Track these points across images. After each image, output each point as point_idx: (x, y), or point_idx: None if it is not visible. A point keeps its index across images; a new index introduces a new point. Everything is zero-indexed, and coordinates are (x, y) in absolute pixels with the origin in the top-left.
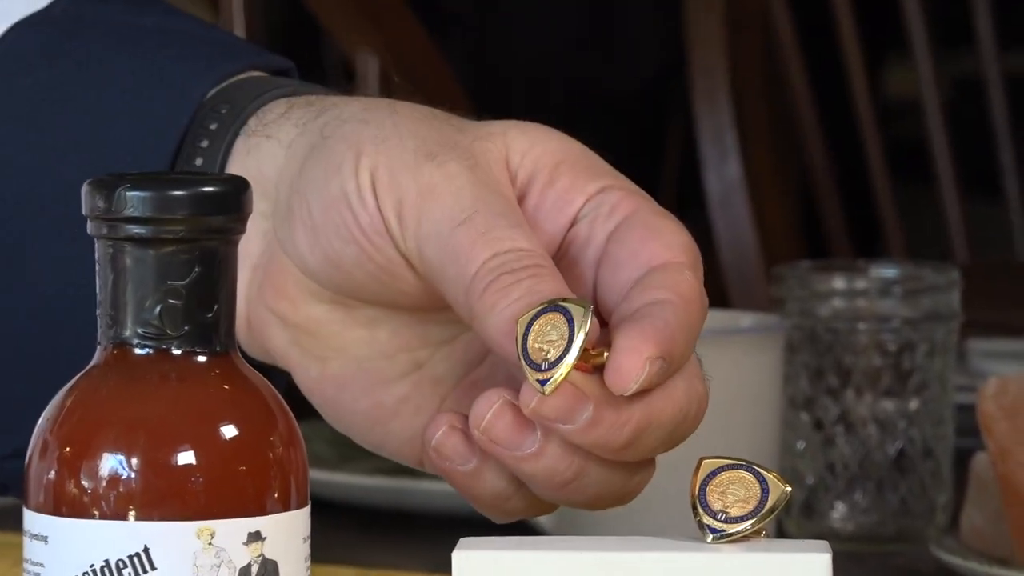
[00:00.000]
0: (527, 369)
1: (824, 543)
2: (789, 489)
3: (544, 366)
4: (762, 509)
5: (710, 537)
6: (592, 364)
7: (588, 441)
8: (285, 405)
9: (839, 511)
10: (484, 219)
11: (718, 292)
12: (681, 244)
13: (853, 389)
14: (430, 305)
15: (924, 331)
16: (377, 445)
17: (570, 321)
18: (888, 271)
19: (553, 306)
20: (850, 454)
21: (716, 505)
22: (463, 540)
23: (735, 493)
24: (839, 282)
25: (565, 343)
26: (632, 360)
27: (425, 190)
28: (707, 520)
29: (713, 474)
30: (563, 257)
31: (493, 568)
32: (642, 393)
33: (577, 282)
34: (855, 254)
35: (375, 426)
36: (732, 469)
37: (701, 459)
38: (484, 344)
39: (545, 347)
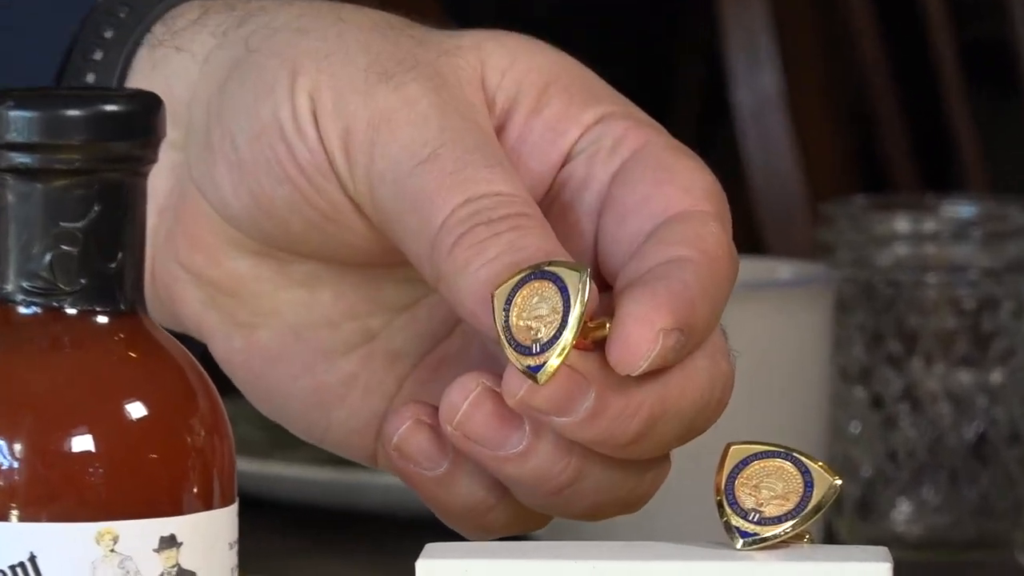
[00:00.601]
0: (511, 353)
1: (884, 550)
2: (839, 482)
3: (535, 348)
4: (805, 507)
5: (740, 542)
6: (591, 339)
7: (589, 436)
8: (208, 379)
9: (903, 510)
10: (453, 155)
11: (749, 235)
12: (704, 188)
13: (920, 357)
14: (384, 261)
15: (1009, 284)
16: (317, 435)
17: (563, 290)
18: (964, 209)
19: (539, 272)
20: (917, 438)
21: (748, 503)
22: (429, 547)
23: (771, 488)
24: (902, 223)
25: (559, 319)
26: (642, 331)
27: (379, 118)
28: (736, 521)
29: (744, 464)
30: (553, 204)
31: None
32: (655, 373)
33: (571, 235)
34: (922, 188)
35: (314, 411)
36: (768, 457)
37: (728, 445)
38: (453, 311)
39: (534, 324)
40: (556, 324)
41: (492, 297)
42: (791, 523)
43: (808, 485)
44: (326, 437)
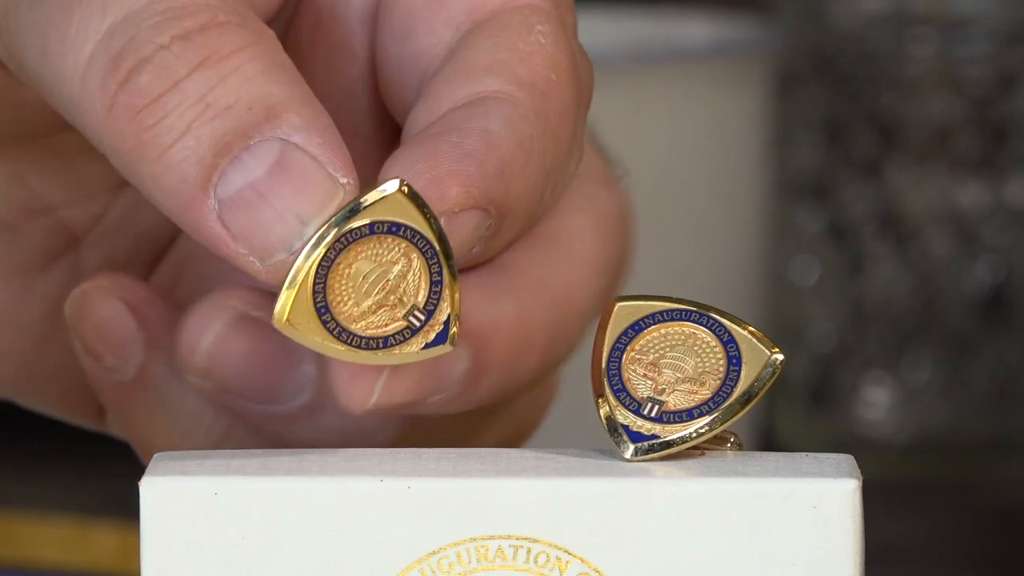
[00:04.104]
0: (345, 349)
1: (848, 459)
2: (780, 357)
3: (415, 320)
4: (728, 396)
5: (630, 449)
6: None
7: (474, 403)
8: None
9: (877, 399)
10: None
11: None
12: None
13: (902, 162)
14: (62, 122)
15: None
16: (24, 392)
17: (399, 228)
18: None
19: (343, 239)
20: (898, 288)
21: (642, 389)
22: (157, 458)
23: (677, 366)
24: None
25: (424, 274)
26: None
27: None
28: (624, 418)
29: (635, 330)
30: (300, 10)
31: (203, 505)
32: (516, 282)
33: (332, 64)
34: None
35: (12, 360)
36: (672, 320)
37: (612, 302)
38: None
39: (388, 298)
40: (422, 281)
41: (285, 326)
42: (707, 420)
43: (733, 361)
44: (32, 395)
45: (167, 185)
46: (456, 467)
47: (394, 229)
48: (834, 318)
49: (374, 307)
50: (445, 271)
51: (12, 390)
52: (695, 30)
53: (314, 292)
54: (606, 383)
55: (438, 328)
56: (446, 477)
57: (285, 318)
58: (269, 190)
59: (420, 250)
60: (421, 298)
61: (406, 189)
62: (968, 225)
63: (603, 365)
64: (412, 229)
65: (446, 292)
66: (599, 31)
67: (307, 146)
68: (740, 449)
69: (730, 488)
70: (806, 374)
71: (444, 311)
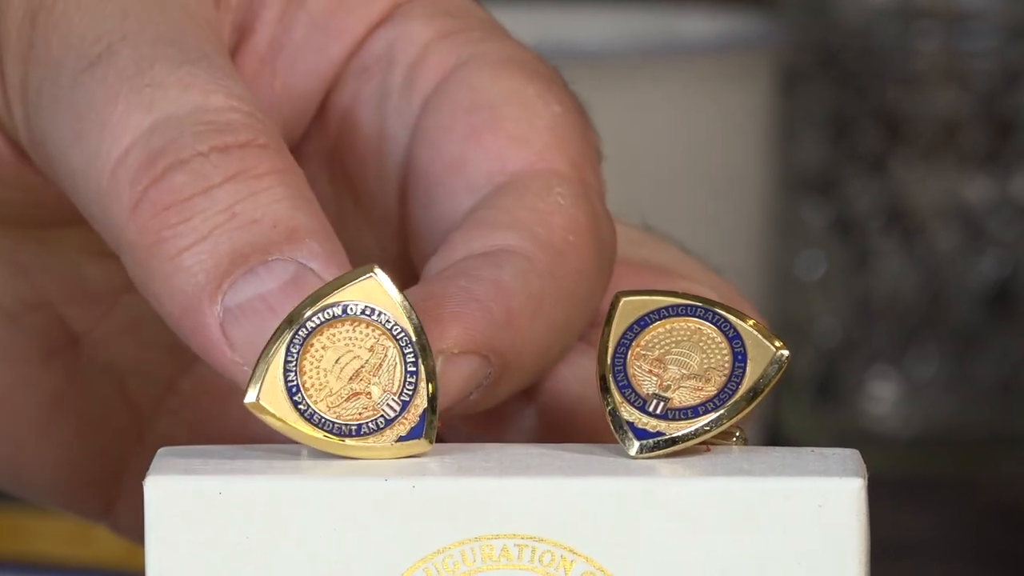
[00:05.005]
0: (317, 435)
1: (854, 455)
2: (786, 353)
3: (390, 410)
4: (734, 393)
5: (635, 446)
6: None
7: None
8: None
9: (883, 394)
10: (136, 51)
11: None
12: (548, 127)
13: (908, 156)
14: (73, 219)
15: None
16: (16, 484)
17: (375, 315)
18: None
19: (315, 318)
20: (904, 282)
21: (647, 386)
22: (161, 454)
23: (683, 362)
24: None
25: (395, 357)
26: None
27: (37, 4)
28: (629, 414)
29: (641, 325)
30: (320, 142)
31: (207, 504)
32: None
33: (361, 200)
34: None
35: (4, 449)
36: (677, 315)
37: (618, 296)
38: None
39: (357, 386)
40: (396, 370)
41: (256, 406)
42: (712, 417)
43: (739, 357)
44: (28, 486)
45: (175, 285)
46: (461, 466)
47: (368, 313)
48: (840, 313)
49: (347, 394)
50: (420, 361)
51: (6, 480)
52: (700, 25)
53: (285, 372)
54: (611, 379)
55: (413, 421)
56: (450, 476)
57: (256, 398)
58: (279, 304)
59: (395, 338)
60: (396, 387)
61: (381, 275)
62: (974, 219)
63: (608, 361)
64: (387, 315)
65: (421, 384)
66: (604, 27)
67: (324, 274)
68: (745, 444)
69: (735, 487)
70: (812, 368)
71: (419, 405)
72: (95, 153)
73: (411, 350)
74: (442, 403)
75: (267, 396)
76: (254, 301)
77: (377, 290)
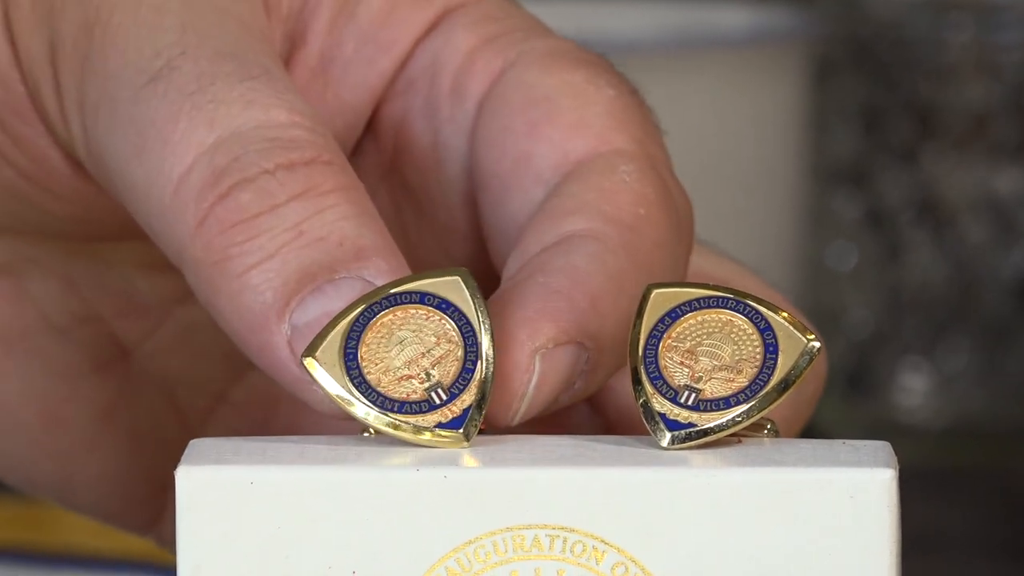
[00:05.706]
0: (360, 403)
1: (884, 447)
2: (818, 345)
3: (435, 398)
4: (766, 384)
5: (667, 437)
6: None
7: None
8: None
9: (915, 385)
10: (197, 67)
11: None
12: (605, 111)
13: (940, 149)
14: (126, 234)
15: None
16: (66, 497)
17: (445, 306)
18: None
19: (392, 297)
20: (936, 274)
21: (678, 377)
22: (193, 445)
23: (715, 354)
24: None
25: (459, 344)
26: (511, 360)
27: (93, 18)
28: (661, 405)
29: (672, 317)
30: (376, 156)
31: (239, 494)
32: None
33: (442, 247)
34: None
35: (51, 463)
36: (709, 307)
37: (649, 288)
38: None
39: (414, 370)
40: (456, 365)
41: (309, 362)
42: (744, 408)
43: (770, 349)
44: (77, 499)
45: (243, 303)
46: (493, 456)
47: (443, 307)
48: (871, 304)
49: (401, 374)
50: (480, 364)
51: (55, 493)
52: (733, 18)
53: (348, 338)
54: (643, 371)
55: (456, 413)
56: (483, 467)
57: (311, 353)
58: None
59: (463, 335)
60: (449, 380)
61: (467, 277)
62: (1005, 211)
63: (640, 352)
64: (461, 313)
65: (473, 385)
66: (637, 20)
67: None
68: (776, 436)
69: (766, 477)
70: (843, 360)
71: (466, 400)
72: (157, 169)
73: (474, 351)
74: (549, 394)
75: (323, 354)
76: (322, 319)
77: (458, 289)
